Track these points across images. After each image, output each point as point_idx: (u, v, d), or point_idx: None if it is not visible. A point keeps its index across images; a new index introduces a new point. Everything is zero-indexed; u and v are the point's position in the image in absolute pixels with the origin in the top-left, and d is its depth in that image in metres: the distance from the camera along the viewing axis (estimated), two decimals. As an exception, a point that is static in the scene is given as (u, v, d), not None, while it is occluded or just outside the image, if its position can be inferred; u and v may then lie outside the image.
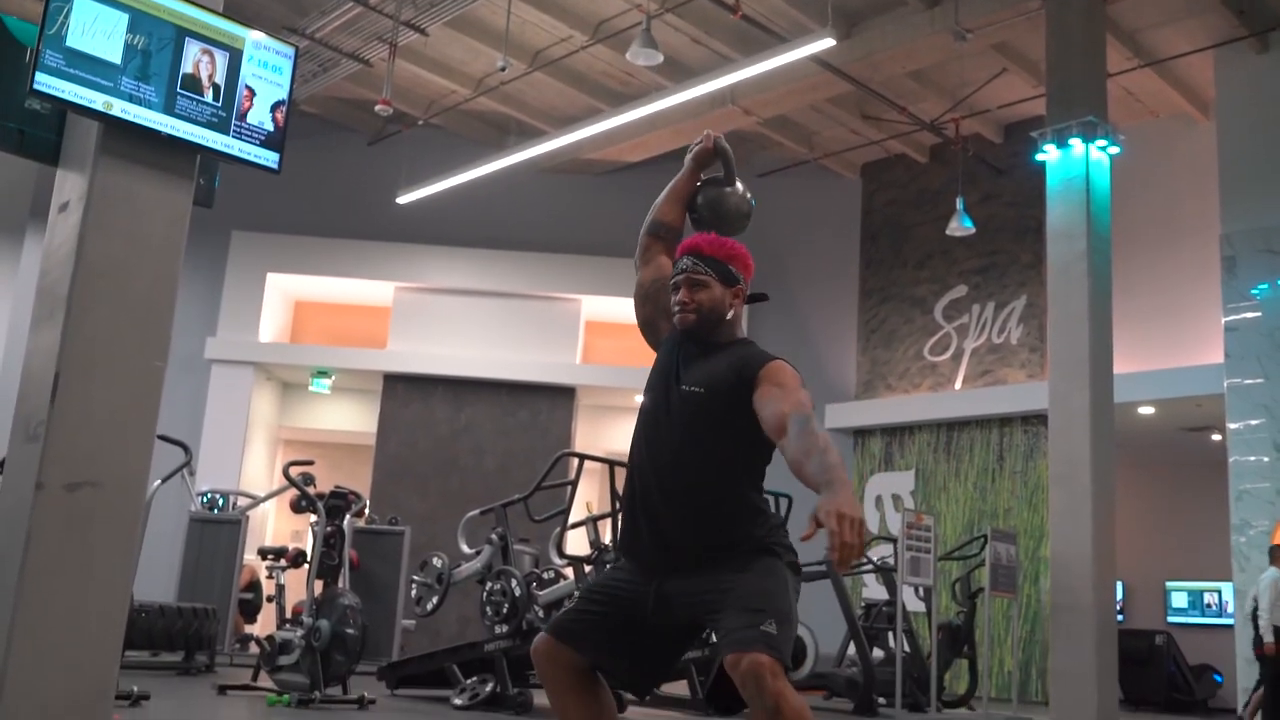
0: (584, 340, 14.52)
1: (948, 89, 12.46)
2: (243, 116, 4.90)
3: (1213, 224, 11.30)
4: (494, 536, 7.41)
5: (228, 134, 4.86)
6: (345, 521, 7.31)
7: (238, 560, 10.46)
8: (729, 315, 2.85)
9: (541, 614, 6.91)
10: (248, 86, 4.92)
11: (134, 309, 4.70)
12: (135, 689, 5.55)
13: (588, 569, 7.34)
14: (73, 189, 4.75)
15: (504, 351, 14.05)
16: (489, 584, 7.13)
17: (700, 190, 3.16)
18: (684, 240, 2.94)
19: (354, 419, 15.02)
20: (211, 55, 4.81)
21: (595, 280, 14.05)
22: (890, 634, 9.41)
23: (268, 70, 5.01)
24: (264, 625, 11.41)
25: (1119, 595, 11.28)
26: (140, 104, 4.59)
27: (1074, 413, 9.63)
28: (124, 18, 4.53)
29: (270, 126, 5.00)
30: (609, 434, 14.78)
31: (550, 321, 14.27)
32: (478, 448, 13.97)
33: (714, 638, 2.60)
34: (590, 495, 12.65)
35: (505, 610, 6.91)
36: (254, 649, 8.10)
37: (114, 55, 4.52)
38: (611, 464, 7.52)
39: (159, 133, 4.67)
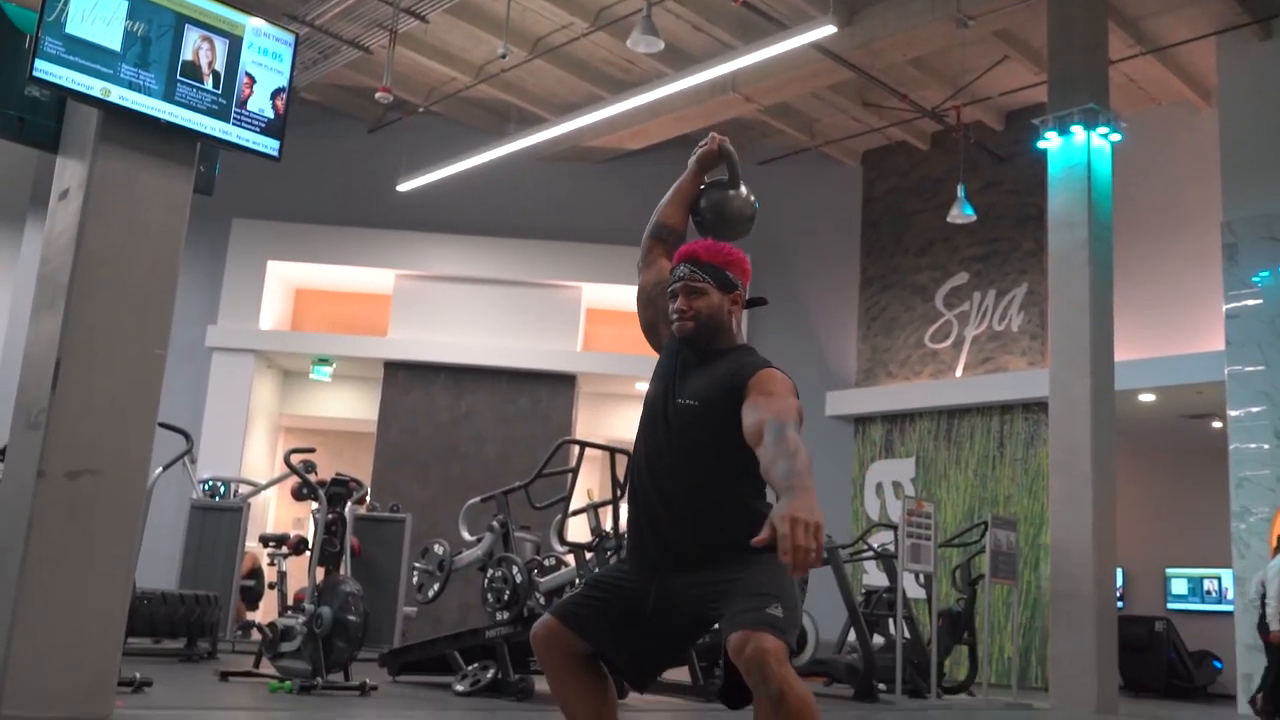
0: (584, 328, 14.51)
1: (949, 76, 12.43)
2: (243, 104, 4.90)
3: (1214, 211, 11.29)
4: (495, 524, 7.43)
5: (228, 121, 4.86)
6: (346, 509, 7.32)
7: (239, 547, 10.48)
8: (728, 321, 2.84)
9: (543, 601, 6.92)
10: (248, 74, 4.91)
11: (134, 296, 4.70)
12: (137, 676, 5.57)
13: (589, 556, 7.36)
14: (73, 176, 4.74)
15: (505, 339, 14.05)
16: (490, 571, 7.14)
17: (704, 193, 3.14)
18: (682, 247, 2.92)
19: (355, 406, 15.03)
20: (211, 42, 4.81)
21: (596, 268, 14.04)
22: (891, 620, 9.44)
23: (268, 57, 5.00)
24: (266, 612, 11.44)
25: (1119, 582, 11.30)
26: (140, 91, 4.59)
27: (1075, 400, 9.64)
28: (123, 4, 4.52)
29: (270, 114, 4.99)
30: (610, 421, 14.79)
31: (551, 309, 14.27)
32: (478, 435, 13.98)
33: (718, 627, 2.59)
34: (591, 482, 12.67)
35: (506, 597, 6.93)
36: (256, 636, 8.12)
37: (113, 42, 4.51)
38: (612, 451, 7.53)
39: (159, 120, 4.66)
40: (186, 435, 6.65)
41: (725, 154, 3.11)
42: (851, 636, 9.12)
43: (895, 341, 14.12)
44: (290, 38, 5.10)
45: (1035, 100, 12.18)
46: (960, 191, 12.22)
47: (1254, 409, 10.56)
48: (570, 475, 7.67)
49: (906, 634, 9.28)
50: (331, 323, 14.87)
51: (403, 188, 13.36)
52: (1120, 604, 11.27)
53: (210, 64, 4.78)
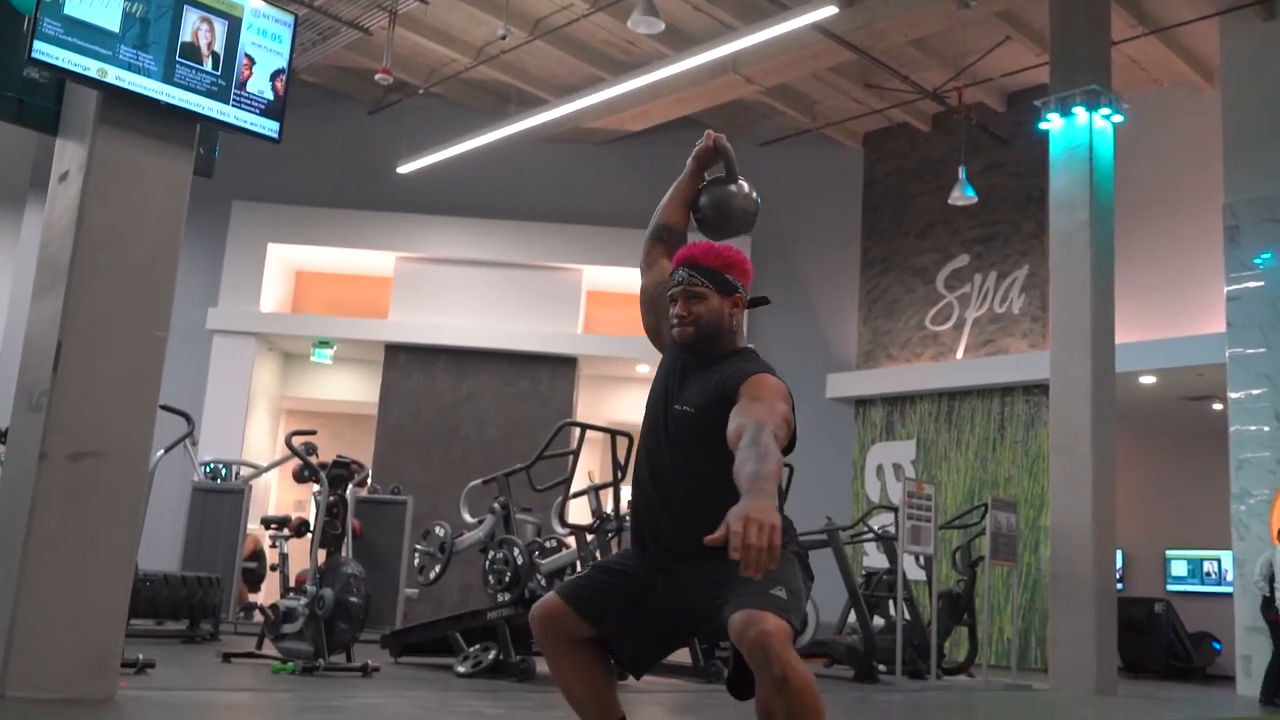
0: (585, 310, 14.51)
1: (950, 57, 12.38)
2: (242, 85, 4.88)
3: (1216, 193, 11.27)
4: (496, 506, 7.44)
5: (227, 103, 4.85)
6: (348, 491, 7.33)
7: (241, 529, 10.50)
8: (729, 325, 2.81)
9: (544, 583, 6.94)
10: (247, 55, 4.90)
11: (135, 279, 4.70)
12: (140, 657, 5.59)
13: (590, 538, 7.38)
14: (72, 158, 4.73)
15: (505, 321, 14.05)
16: (491, 553, 7.16)
17: (704, 191, 3.12)
18: (680, 250, 2.90)
19: (356, 389, 15.04)
20: (210, 23, 4.79)
21: (597, 250, 14.02)
22: (891, 602, 9.46)
23: (267, 39, 4.99)
24: (268, 594, 11.47)
25: (1119, 564, 11.33)
26: (139, 72, 4.57)
27: (1075, 382, 9.64)
28: (122, -15, 4.50)
29: (270, 95, 4.98)
30: (610, 403, 14.81)
31: (552, 291, 14.26)
32: (479, 417, 13.99)
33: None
34: (592, 465, 12.68)
35: (508, 579, 6.94)
36: (258, 617, 8.15)
37: (112, 23, 4.50)
38: (613, 433, 7.54)
39: (158, 101, 4.65)
40: (188, 418, 6.66)
41: (721, 150, 3.08)
42: (852, 618, 9.15)
43: (896, 324, 14.12)
44: (289, 19, 5.09)
45: (1037, 81, 12.14)
46: (961, 173, 12.19)
47: (1254, 391, 10.57)
48: (571, 457, 7.69)
49: (906, 615, 9.31)
50: (332, 305, 14.87)
51: (403, 170, 13.33)
52: (1120, 585, 11.30)
53: (209, 45, 4.77)
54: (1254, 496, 10.42)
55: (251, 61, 4.90)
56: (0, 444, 6.35)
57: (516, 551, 6.97)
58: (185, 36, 4.69)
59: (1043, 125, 10.20)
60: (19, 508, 4.39)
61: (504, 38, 10.70)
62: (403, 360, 14.12)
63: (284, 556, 7.35)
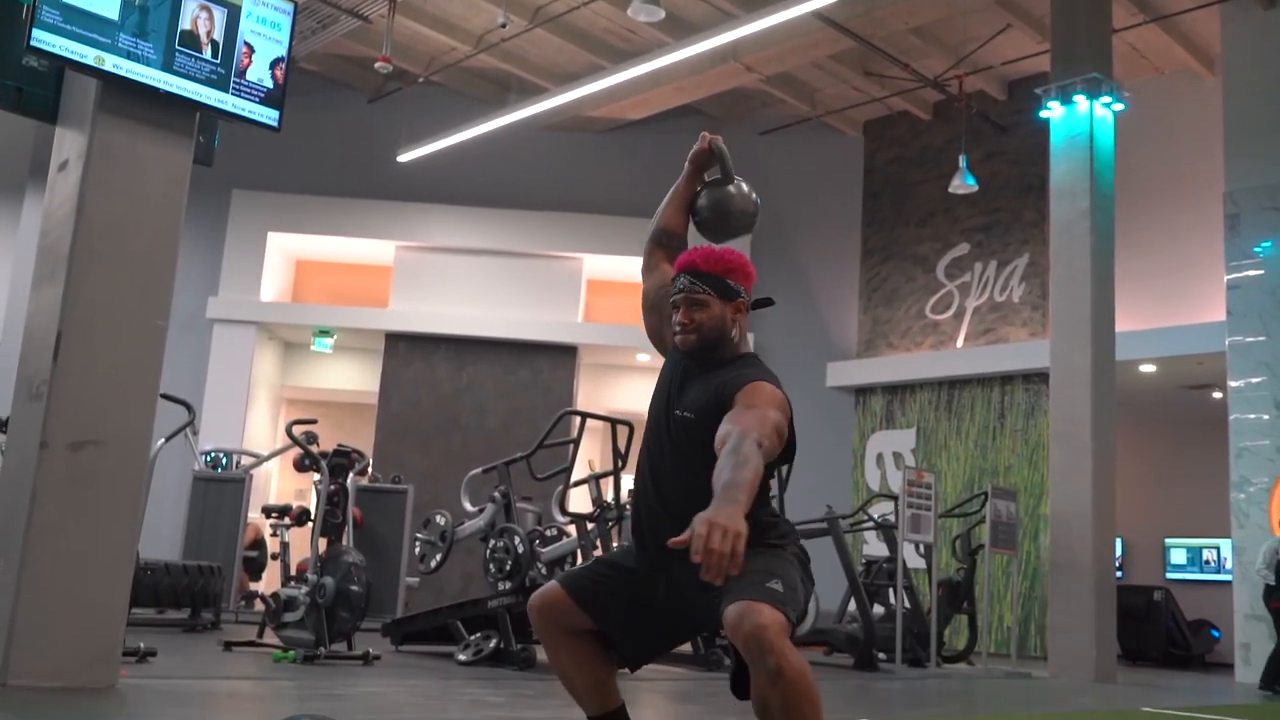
0: (585, 299, 14.51)
1: (951, 45, 12.35)
2: (242, 73, 4.87)
3: (1216, 181, 11.25)
4: (496, 494, 7.45)
5: (227, 91, 4.84)
6: (348, 480, 7.34)
7: (242, 518, 10.53)
8: (732, 330, 2.80)
9: (544, 571, 6.96)
10: (246, 43, 4.89)
11: (135, 268, 4.69)
12: (142, 646, 5.61)
13: (590, 526, 7.39)
14: (72, 147, 4.73)
15: (506, 310, 14.04)
16: (492, 541, 7.17)
17: (702, 193, 3.11)
18: (681, 256, 2.88)
19: (356, 378, 15.05)
20: (210, 11, 4.78)
21: (597, 239, 14.01)
22: (891, 590, 9.48)
23: (266, 27, 4.97)
24: (269, 583, 11.50)
25: (1118, 552, 11.34)
26: (138, 60, 4.56)
27: (1075, 371, 9.65)
28: (121, -27, 4.49)
29: (270, 84, 4.97)
30: (610, 392, 14.81)
31: (552, 280, 14.25)
32: (480, 406, 14.00)
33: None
34: (592, 453, 12.70)
35: (508, 567, 6.96)
36: (259, 606, 8.17)
37: (111, 11, 4.49)
38: (613, 422, 7.54)
39: (157, 90, 4.64)
40: (188, 406, 6.67)
41: (717, 151, 3.06)
42: (852, 606, 9.17)
43: (896, 312, 14.11)
44: (289, 7, 5.07)
45: (1038, 69, 12.12)
46: (962, 161, 12.18)
47: (1254, 379, 10.57)
48: (571, 446, 7.69)
49: (906, 604, 9.33)
50: (332, 294, 14.86)
51: (403, 158, 13.31)
52: (1119, 574, 11.31)
53: (209, 33, 4.76)
54: (1253, 485, 10.43)
55: (251, 50, 4.89)
56: (1, 433, 6.36)
57: (517, 540, 6.98)
58: (184, 24, 4.68)
59: (1043, 113, 10.19)
60: (20, 497, 4.40)
61: (504, 26, 10.67)
62: (403, 349, 14.12)
63: (285, 545, 7.37)
